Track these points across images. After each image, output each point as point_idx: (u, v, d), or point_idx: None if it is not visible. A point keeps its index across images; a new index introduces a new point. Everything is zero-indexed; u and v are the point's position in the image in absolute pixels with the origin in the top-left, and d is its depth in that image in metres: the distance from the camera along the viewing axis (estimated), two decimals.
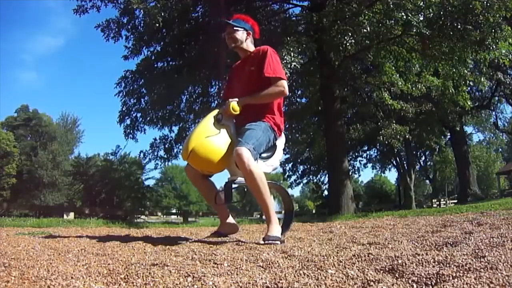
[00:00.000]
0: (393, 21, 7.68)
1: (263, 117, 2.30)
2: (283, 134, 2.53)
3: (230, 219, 2.47)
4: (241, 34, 2.45)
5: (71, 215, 9.82)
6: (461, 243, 1.69)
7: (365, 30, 7.57)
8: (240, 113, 2.22)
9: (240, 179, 2.24)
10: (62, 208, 14.48)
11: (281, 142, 2.49)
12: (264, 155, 2.34)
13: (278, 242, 2.08)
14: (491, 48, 7.66)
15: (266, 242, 2.06)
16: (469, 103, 9.59)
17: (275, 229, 2.14)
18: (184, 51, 10.17)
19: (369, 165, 23.85)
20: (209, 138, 2.13)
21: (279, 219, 2.39)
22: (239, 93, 2.37)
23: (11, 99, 72.30)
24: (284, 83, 2.30)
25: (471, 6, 7.11)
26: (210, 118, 2.24)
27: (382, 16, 7.92)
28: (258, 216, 15.27)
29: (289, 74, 7.15)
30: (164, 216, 15.46)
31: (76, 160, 14.44)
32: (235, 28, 2.44)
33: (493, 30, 7.37)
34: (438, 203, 21.40)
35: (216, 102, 10.19)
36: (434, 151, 24.38)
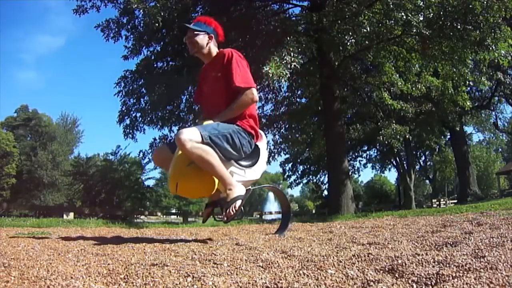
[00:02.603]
0: (393, 21, 7.68)
1: (234, 123, 2.21)
2: (263, 136, 2.48)
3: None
4: (201, 38, 2.35)
5: (71, 215, 9.82)
6: (461, 243, 1.69)
7: (365, 30, 7.57)
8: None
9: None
10: (62, 208, 14.48)
11: (262, 144, 2.44)
12: (249, 162, 2.31)
13: (239, 200, 2.05)
14: (490, 48, 7.66)
15: (225, 206, 2.03)
16: (468, 103, 9.60)
17: (233, 192, 2.06)
18: (184, 51, 10.14)
19: (369, 165, 23.88)
20: (191, 165, 2.06)
21: (279, 219, 2.39)
22: (209, 98, 2.35)
23: (11, 99, 72.41)
24: (254, 91, 2.21)
25: (471, 6, 7.11)
26: None
27: (382, 16, 7.91)
28: (258, 216, 15.27)
29: (289, 74, 7.15)
30: (164, 216, 15.45)
31: (76, 160, 14.43)
32: (195, 32, 2.35)
33: (492, 31, 7.37)
34: (438, 203, 21.41)
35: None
36: (434, 151, 24.39)
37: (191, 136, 1.95)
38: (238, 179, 2.21)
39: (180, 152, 2.05)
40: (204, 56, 2.40)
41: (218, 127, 2.10)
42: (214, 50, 2.39)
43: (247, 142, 2.23)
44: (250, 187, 2.37)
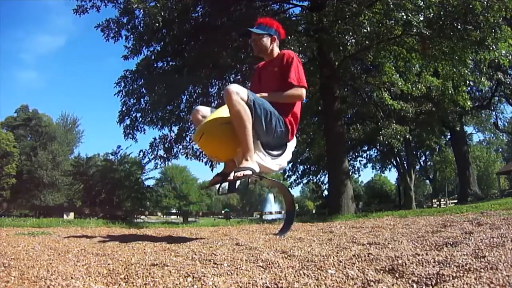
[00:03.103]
0: (393, 21, 7.68)
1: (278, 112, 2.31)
2: (294, 137, 2.55)
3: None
4: (265, 41, 2.49)
5: (71, 215, 9.80)
6: (461, 243, 1.69)
7: (365, 30, 7.56)
8: None
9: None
10: (62, 208, 14.46)
11: (292, 144, 2.52)
12: (274, 152, 2.37)
13: (249, 172, 2.09)
14: (491, 48, 7.66)
15: (236, 171, 2.08)
16: (468, 103, 9.58)
17: (248, 163, 2.13)
18: (184, 51, 10.16)
19: (369, 165, 23.87)
20: (223, 125, 2.14)
21: (280, 219, 2.40)
22: (261, 91, 2.42)
23: (11, 99, 72.43)
24: (303, 91, 2.36)
25: (471, 6, 7.11)
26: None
27: (382, 16, 7.91)
28: (258, 216, 15.27)
29: None
30: (164, 216, 15.44)
31: (76, 160, 14.42)
32: (259, 35, 2.48)
33: (493, 30, 7.37)
34: (438, 203, 21.40)
35: (216, 102, 10.18)
36: (434, 151, 24.40)
37: (239, 90, 2.05)
38: (256, 160, 2.24)
39: (219, 110, 2.21)
40: (267, 56, 2.54)
41: (266, 103, 2.20)
42: (276, 50, 2.54)
43: (281, 132, 2.31)
44: (259, 176, 2.40)
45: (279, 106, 2.32)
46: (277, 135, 2.29)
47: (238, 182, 2.29)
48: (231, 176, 2.12)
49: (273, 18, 2.66)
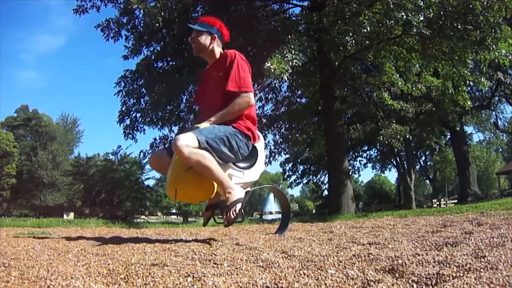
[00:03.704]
0: (393, 21, 7.68)
1: (230, 125, 2.20)
2: (261, 137, 2.47)
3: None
4: (204, 39, 2.34)
5: (71, 215, 9.81)
6: (461, 243, 1.69)
7: (365, 30, 7.57)
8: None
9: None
10: (62, 208, 14.47)
11: (259, 144, 2.43)
12: (247, 164, 2.30)
13: (239, 203, 2.05)
14: (491, 48, 7.66)
15: (225, 210, 2.03)
16: (469, 103, 9.59)
17: (232, 196, 2.06)
18: (184, 51, 10.16)
19: (369, 165, 23.85)
20: (190, 171, 2.05)
21: (279, 219, 2.40)
22: (208, 98, 2.34)
23: (11, 99, 72.46)
24: (250, 96, 2.20)
25: (471, 6, 7.11)
26: None
27: (382, 16, 7.91)
28: (258, 216, 15.27)
29: (290, 71, 7.14)
30: (164, 216, 15.43)
31: (76, 160, 14.41)
32: (198, 32, 2.34)
33: (493, 30, 7.37)
34: (438, 203, 21.41)
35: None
36: (434, 151, 24.39)
37: (188, 142, 1.95)
38: (236, 181, 2.20)
39: (177, 157, 2.03)
40: (207, 56, 2.40)
41: (214, 130, 2.09)
42: (218, 51, 2.39)
43: (244, 144, 2.22)
44: (249, 188, 2.37)
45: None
46: (242, 149, 2.20)
47: (237, 218, 2.18)
48: (226, 223, 2.08)
49: (217, 18, 2.52)
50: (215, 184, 2.10)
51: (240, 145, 2.18)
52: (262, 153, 2.45)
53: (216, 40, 2.38)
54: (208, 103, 2.33)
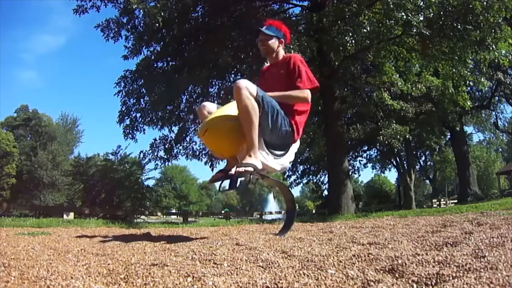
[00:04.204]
0: (393, 21, 7.67)
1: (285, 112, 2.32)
2: (298, 142, 2.55)
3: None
4: (273, 42, 2.51)
5: (71, 215, 9.80)
6: (461, 243, 1.69)
7: (365, 30, 7.56)
8: None
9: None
10: (62, 208, 14.44)
11: (295, 145, 2.52)
12: (277, 152, 2.37)
13: (251, 168, 2.10)
14: (491, 48, 7.66)
15: (238, 167, 2.10)
16: (468, 103, 9.58)
17: (252, 160, 2.13)
18: (184, 51, 10.15)
19: (369, 165, 23.84)
20: (228, 122, 2.16)
21: (279, 219, 2.40)
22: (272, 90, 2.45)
23: (11, 99, 72.44)
24: (309, 94, 2.36)
25: (471, 6, 7.11)
26: (235, 103, 2.26)
27: (382, 16, 7.91)
28: (258, 216, 15.27)
29: None
30: (164, 216, 15.41)
31: (76, 160, 14.40)
32: (269, 36, 2.50)
33: (493, 30, 7.37)
34: (438, 203, 21.40)
35: (216, 102, 10.18)
36: (434, 151, 24.39)
37: (249, 85, 2.07)
38: (260, 158, 2.24)
39: (225, 107, 2.24)
40: (272, 58, 2.56)
41: (273, 101, 2.21)
42: (282, 54, 2.56)
43: (286, 132, 2.31)
44: (265, 173, 2.39)
45: (286, 106, 2.33)
46: (281, 134, 2.29)
47: (239, 179, 2.28)
48: (233, 171, 2.13)
49: (283, 22, 2.69)
50: (241, 147, 2.18)
51: (283, 127, 2.27)
52: (292, 153, 2.52)
53: (282, 44, 2.57)
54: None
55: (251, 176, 2.18)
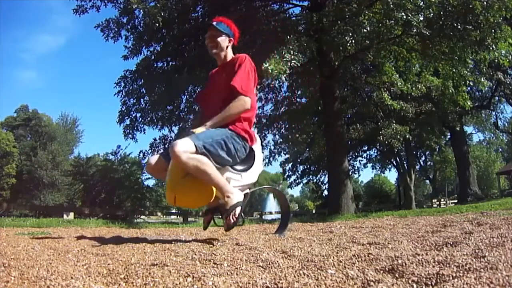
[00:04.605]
0: (393, 21, 7.68)
1: (227, 127, 2.18)
2: (258, 139, 2.46)
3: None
4: (223, 40, 2.34)
5: (71, 215, 9.81)
6: (461, 243, 1.69)
7: (365, 30, 7.56)
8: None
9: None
10: (62, 208, 14.46)
11: (256, 146, 2.42)
12: (245, 166, 2.30)
13: (238, 207, 2.05)
14: (491, 48, 7.66)
15: (226, 213, 2.03)
16: (469, 103, 9.59)
17: (231, 199, 2.06)
18: (184, 51, 10.15)
19: (369, 165, 23.82)
20: (188, 177, 2.04)
21: (279, 219, 2.40)
22: (210, 98, 2.34)
23: (11, 99, 72.44)
24: (247, 100, 2.17)
25: (471, 6, 7.11)
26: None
27: (382, 16, 7.91)
28: (258, 216, 15.28)
29: (289, 72, 7.15)
30: (164, 216, 15.43)
31: (76, 160, 14.42)
32: (220, 32, 2.33)
33: (493, 30, 7.37)
34: (438, 203, 21.40)
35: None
36: (434, 151, 24.38)
37: (185, 147, 1.92)
38: (235, 184, 2.20)
39: (175, 163, 2.01)
40: (219, 57, 2.39)
41: (211, 134, 2.07)
42: (230, 54, 2.40)
43: (241, 147, 2.20)
44: (248, 190, 2.37)
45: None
46: (239, 152, 2.19)
47: (237, 222, 2.16)
48: (226, 227, 2.07)
49: (233, 22, 2.49)
50: (214, 189, 2.09)
51: (237, 147, 2.16)
52: (259, 155, 2.44)
53: (231, 44, 2.40)
54: (210, 102, 2.33)
55: (242, 208, 2.13)
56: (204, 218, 2.52)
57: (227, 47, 2.37)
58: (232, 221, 2.04)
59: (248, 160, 2.33)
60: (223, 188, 2.06)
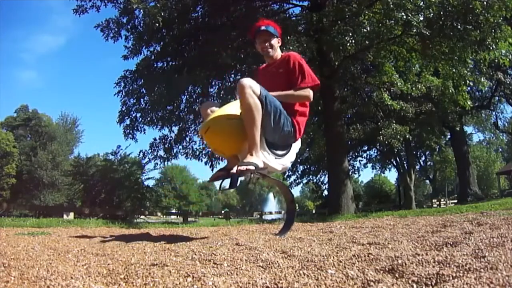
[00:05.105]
0: (393, 21, 7.67)
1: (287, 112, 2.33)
2: (299, 141, 2.58)
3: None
4: (275, 42, 2.54)
5: (71, 215, 9.80)
6: (461, 243, 1.69)
7: (365, 30, 7.56)
8: None
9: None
10: (62, 208, 14.44)
11: (296, 145, 2.54)
12: (279, 152, 2.37)
13: (252, 167, 2.10)
14: (491, 48, 7.65)
15: (239, 165, 2.10)
16: (469, 103, 9.59)
17: (253, 158, 2.13)
18: (184, 51, 10.15)
19: (369, 165, 23.83)
20: (230, 120, 2.16)
21: (279, 219, 2.40)
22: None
23: (11, 99, 72.41)
24: (311, 93, 2.40)
25: (471, 6, 7.11)
26: (238, 102, 2.26)
27: (382, 16, 7.91)
28: (258, 216, 15.28)
29: None
30: (164, 216, 15.41)
31: (76, 160, 14.39)
32: (272, 35, 2.52)
33: (493, 30, 7.37)
34: (438, 203, 21.40)
35: (216, 102, 10.18)
36: (434, 151, 24.38)
37: (253, 84, 2.08)
38: (261, 158, 2.24)
39: (227, 106, 2.24)
40: (270, 57, 2.56)
41: (276, 100, 2.22)
42: (279, 53, 2.60)
43: (288, 132, 2.33)
44: (266, 171, 2.39)
45: (288, 106, 2.34)
46: (283, 134, 2.30)
47: (240, 178, 2.27)
48: (234, 170, 2.14)
49: (273, 21, 2.71)
50: (243, 145, 2.18)
51: (285, 127, 2.29)
52: (293, 153, 2.54)
53: (280, 43, 2.61)
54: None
55: (252, 175, 2.17)
56: (216, 172, 2.54)
57: (278, 47, 2.58)
58: (243, 169, 2.09)
59: (284, 149, 2.42)
60: (255, 143, 2.14)
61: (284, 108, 2.29)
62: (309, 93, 2.39)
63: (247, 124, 2.10)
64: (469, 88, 13.76)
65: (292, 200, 2.83)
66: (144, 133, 10.82)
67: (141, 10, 8.45)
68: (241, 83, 2.06)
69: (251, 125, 2.09)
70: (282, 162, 2.41)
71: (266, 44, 2.52)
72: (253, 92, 2.07)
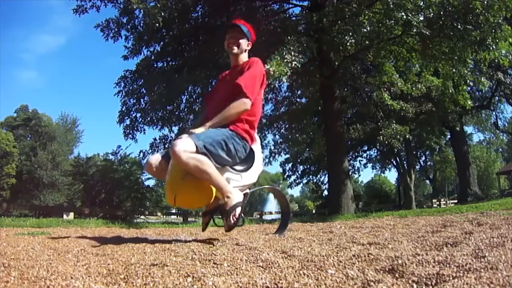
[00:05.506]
0: (393, 21, 7.68)
1: (228, 127, 2.17)
2: (258, 139, 2.46)
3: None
4: (244, 42, 2.39)
5: (71, 215, 9.80)
6: (461, 243, 1.69)
7: (365, 30, 7.57)
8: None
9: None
10: (62, 208, 14.44)
11: (256, 146, 2.42)
12: (245, 166, 2.30)
13: (238, 207, 2.05)
14: (491, 48, 7.65)
15: (226, 214, 2.03)
16: (469, 102, 9.59)
17: (232, 199, 2.06)
18: (184, 51, 10.16)
19: (369, 165, 23.82)
20: (188, 177, 2.02)
21: (279, 219, 2.39)
22: (219, 99, 2.32)
23: (11, 99, 72.42)
24: (247, 102, 2.16)
25: (471, 6, 7.11)
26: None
27: (382, 16, 7.91)
28: (258, 216, 15.28)
29: (289, 72, 7.15)
30: (164, 216, 15.41)
31: (76, 160, 14.39)
32: (243, 34, 2.38)
33: (493, 30, 7.37)
34: (438, 203, 21.40)
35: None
36: (434, 151, 24.38)
37: (185, 147, 1.91)
38: (235, 185, 2.19)
39: (175, 163, 2.00)
40: (236, 59, 2.41)
41: (212, 134, 2.06)
42: (245, 57, 2.43)
43: (242, 147, 2.19)
44: (248, 190, 2.37)
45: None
46: (239, 153, 2.18)
47: (237, 224, 2.16)
48: (227, 228, 2.07)
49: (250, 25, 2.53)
50: (214, 189, 2.09)
51: (237, 148, 2.15)
52: (259, 155, 2.44)
53: (249, 47, 2.44)
54: (216, 104, 2.31)
55: (242, 215, 2.12)
56: (202, 219, 2.51)
57: (245, 50, 2.41)
58: (233, 221, 2.04)
59: (248, 160, 2.33)
60: (223, 189, 2.06)
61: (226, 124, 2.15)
62: (244, 102, 2.14)
63: (206, 180, 2.00)
64: (469, 88, 13.76)
65: (287, 206, 2.84)
66: (144, 133, 10.83)
67: (141, 10, 8.45)
68: (173, 153, 1.89)
69: (209, 178, 1.98)
70: (254, 170, 2.35)
71: (233, 41, 2.35)
72: (190, 152, 1.90)
